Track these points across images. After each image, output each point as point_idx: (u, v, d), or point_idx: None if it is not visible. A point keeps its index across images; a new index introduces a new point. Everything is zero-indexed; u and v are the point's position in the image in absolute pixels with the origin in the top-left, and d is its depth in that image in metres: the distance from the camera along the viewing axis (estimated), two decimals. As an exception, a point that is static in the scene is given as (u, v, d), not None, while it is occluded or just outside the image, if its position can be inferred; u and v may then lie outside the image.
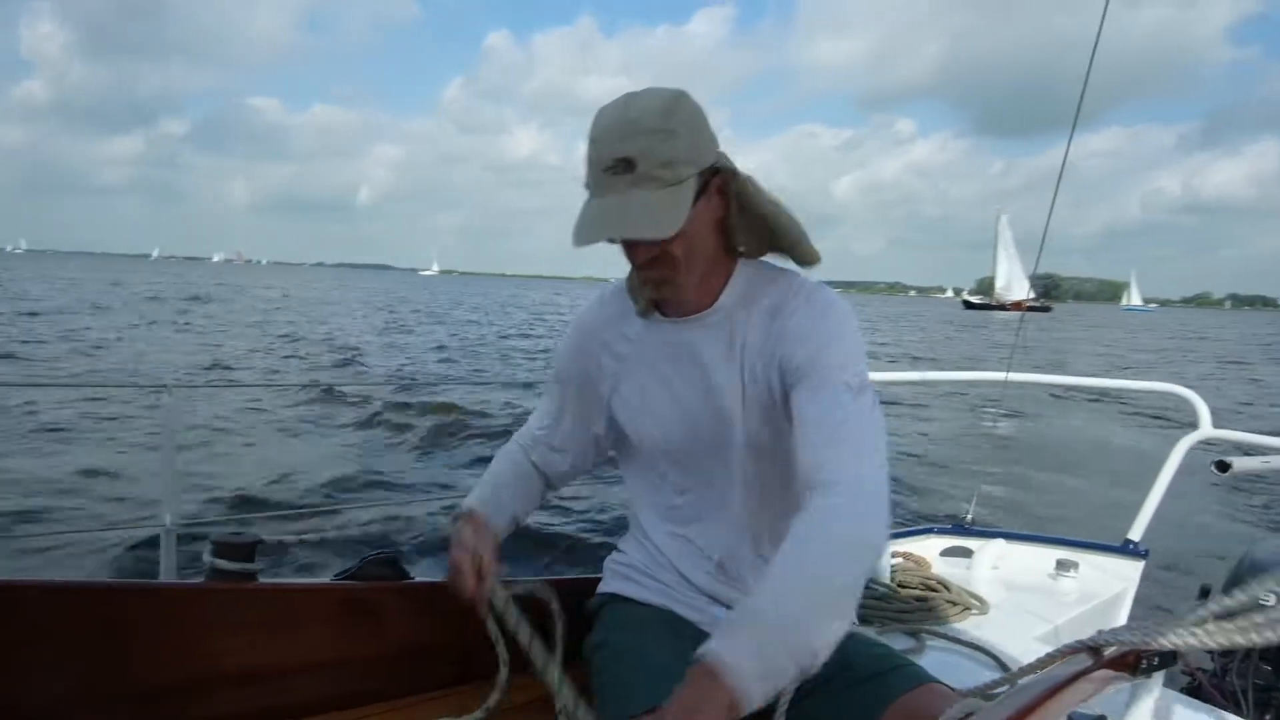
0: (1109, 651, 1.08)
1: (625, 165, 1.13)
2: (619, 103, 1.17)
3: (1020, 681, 0.99)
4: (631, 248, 1.21)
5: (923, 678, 1.20)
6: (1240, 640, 0.91)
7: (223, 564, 1.35)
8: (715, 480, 1.33)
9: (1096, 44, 2.68)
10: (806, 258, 1.29)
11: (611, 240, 1.18)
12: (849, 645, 1.25)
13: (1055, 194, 2.79)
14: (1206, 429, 2.73)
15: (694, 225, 1.17)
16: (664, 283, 1.22)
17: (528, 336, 25.55)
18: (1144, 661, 1.15)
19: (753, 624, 0.97)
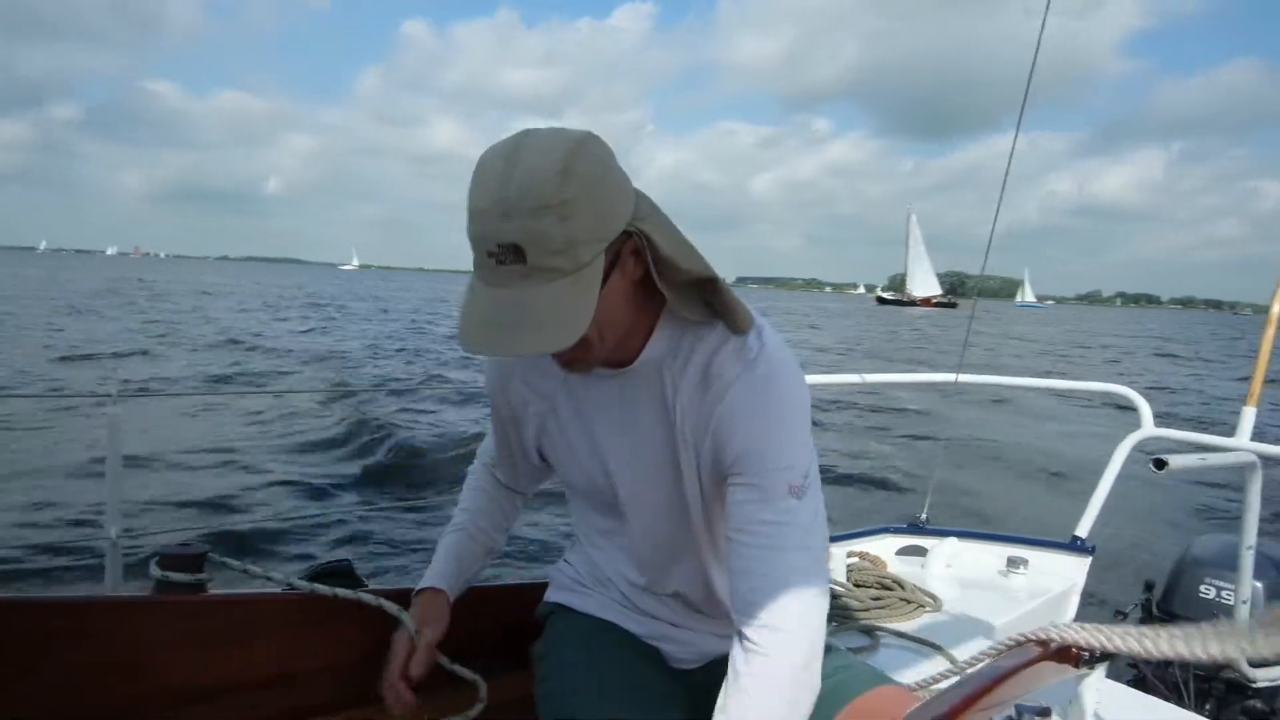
0: (1052, 645, 1.11)
1: (512, 253, 0.93)
2: (501, 161, 0.94)
3: (965, 674, 1.01)
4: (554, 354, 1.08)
5: (877, 680, 1.20)
6: (1182, 651, 0.94)
7: (169, 576, 1.32)
8: (640, 522, 1.27)
9: (1039, 47, 2.74)
10: (738, 327, 1.12)
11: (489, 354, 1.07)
12: None
13: (1002, 193, 2.85)
14: (1149, 428, 2.81)
15: (606, 304, 1.01)
16: (574, 362, 1.10)
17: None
18: (1086, 653, 1.18)
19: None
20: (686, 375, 1.13)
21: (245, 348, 17.74)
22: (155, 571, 1.32)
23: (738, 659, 1.04)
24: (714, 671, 1.28)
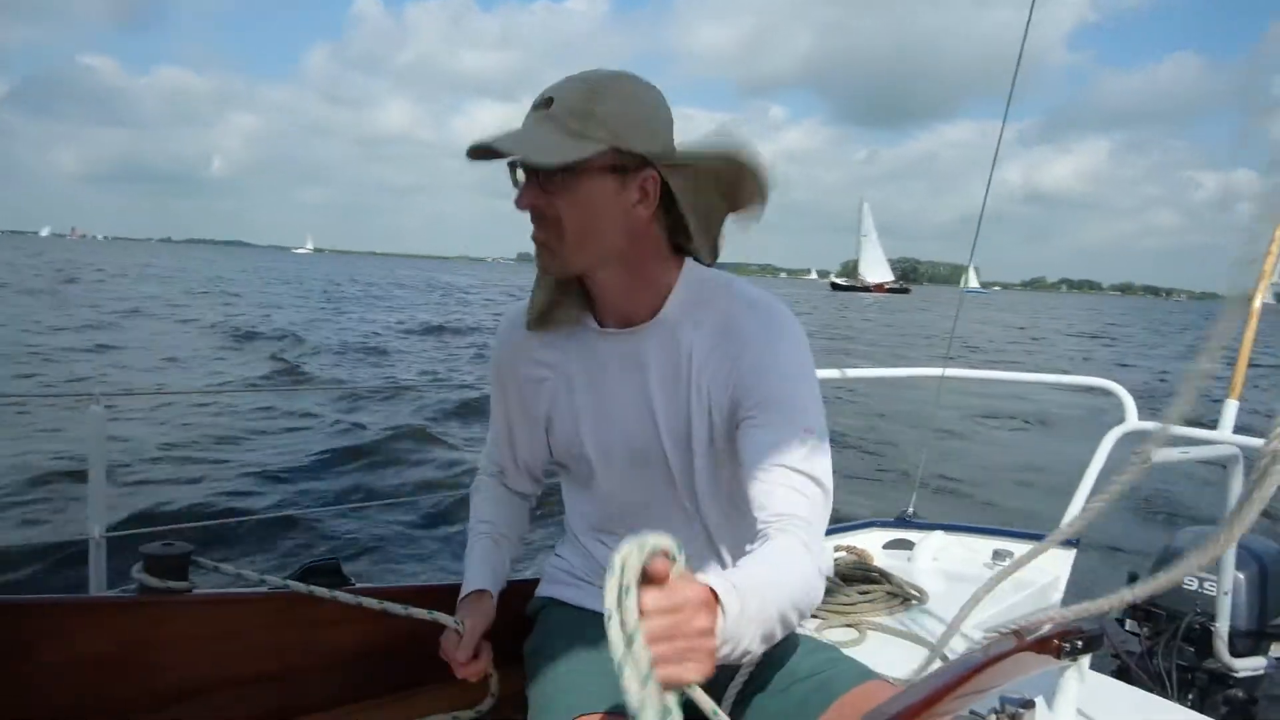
0: (1031, 635, 1.12)
1: (545, 103, 1.12)
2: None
3: (943, 665, 1.02)
4: (521, 193, 1.15)
5: (864, 675, 1.20)
6: (1138, 593, 0.97)
7: (153, 581, 1.31)
8: (653, 495, 1.30)
9: (1026, 34, 2.76)
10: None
11: (481, 155, 1.13)
12: (791, 646, 1.26)
13: (989, 184, 2.86)
14: (1133, 421, 2.83)
15: (586, 193, 1.12)
16: (544, 247, 1.17)
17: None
18: (1067, 644, 1.19)
19: (753, 598, 0.93)
20: (703, 332, 1.21)
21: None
22: (138, 575, 1.31)
23: (769, 534, 1.07)
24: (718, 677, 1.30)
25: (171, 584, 1.31)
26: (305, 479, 7.20)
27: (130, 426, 8.15)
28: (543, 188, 1.13)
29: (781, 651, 1.25)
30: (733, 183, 1.20)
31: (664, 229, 1.21)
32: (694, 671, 0.81)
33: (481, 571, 1.39)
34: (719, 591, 0.87)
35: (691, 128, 1.21)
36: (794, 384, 1.17)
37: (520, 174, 1.15)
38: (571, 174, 1.11)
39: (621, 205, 1.14)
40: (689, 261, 1.26)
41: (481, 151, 1.12)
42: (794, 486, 1.10)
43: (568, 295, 1.28)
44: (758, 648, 0.95)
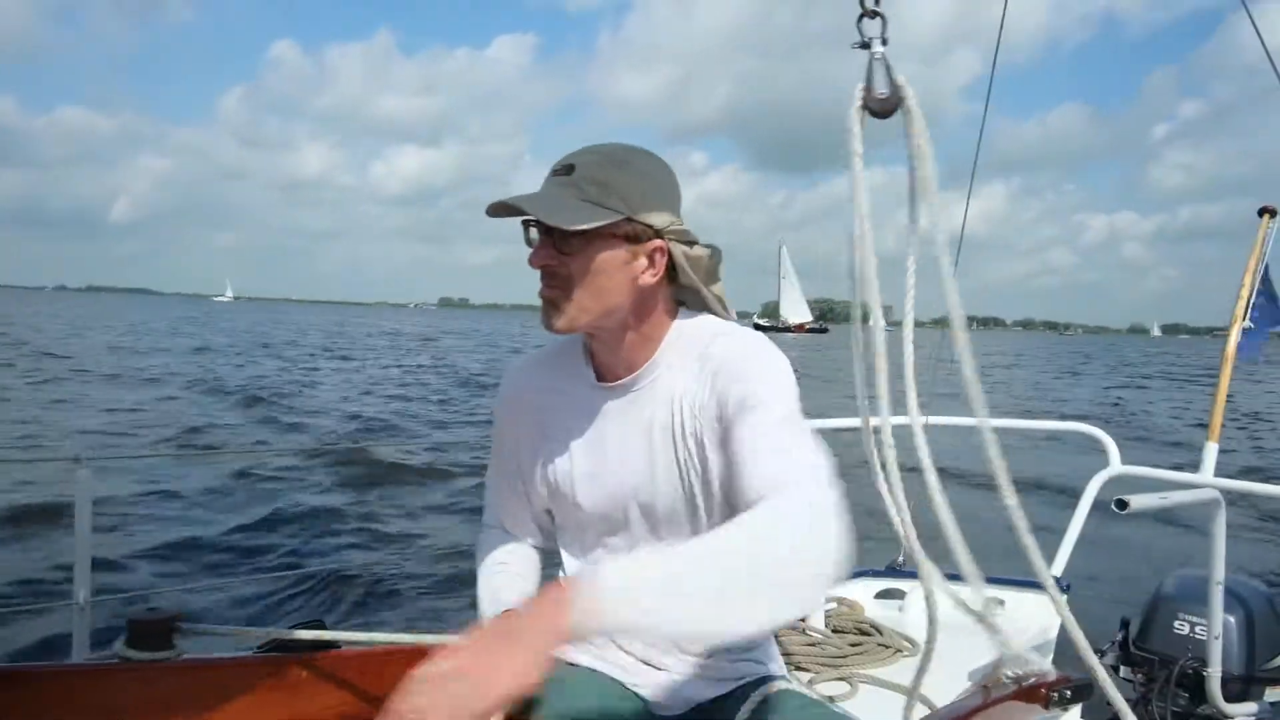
0: (1022, 685, 1.12)
1: (566, 170, 1.19)
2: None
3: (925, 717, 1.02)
4: (534, 251, 1.20)
5: None
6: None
7: (135, 653, 1.30)
8: (638, 542, 1.31)
9: (999, 45, 2.83)
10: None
11: (499, 213, 1.18)
12: (783, 706, 1.27)
13: (964, 217, 2.92)
14: (1116, 466, 2.85)
15: (600, 261, 1.18)
16: (550, 304, 1.21)
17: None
18: (1055, 694, 1.19)
19: (652, 574, 0.88)
20: (685, 365, 1.26)
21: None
22: (120, 649, 1.31)
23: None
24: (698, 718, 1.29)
25: (155, 654, 1.31)
26: (291, 537, 7.13)
27: (117, 487, 8.08)
28: (557, 248, 1.19)
29: (772, 708, 1.26)
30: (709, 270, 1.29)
31: (668, 292, 1.28)
32: None
33: (506, 597, 1.34)
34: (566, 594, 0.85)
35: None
36: (767, 382, 1.18)
37: (534, 233, 1.22)
38: (586, 238, 1.17)
39: (630, 272, 1.21)
40: (681, 311, 1.32)
41: (499, 209, 1.19)
42: (777, 462, 1.08)
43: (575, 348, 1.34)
44: (692, 636, 1.04)
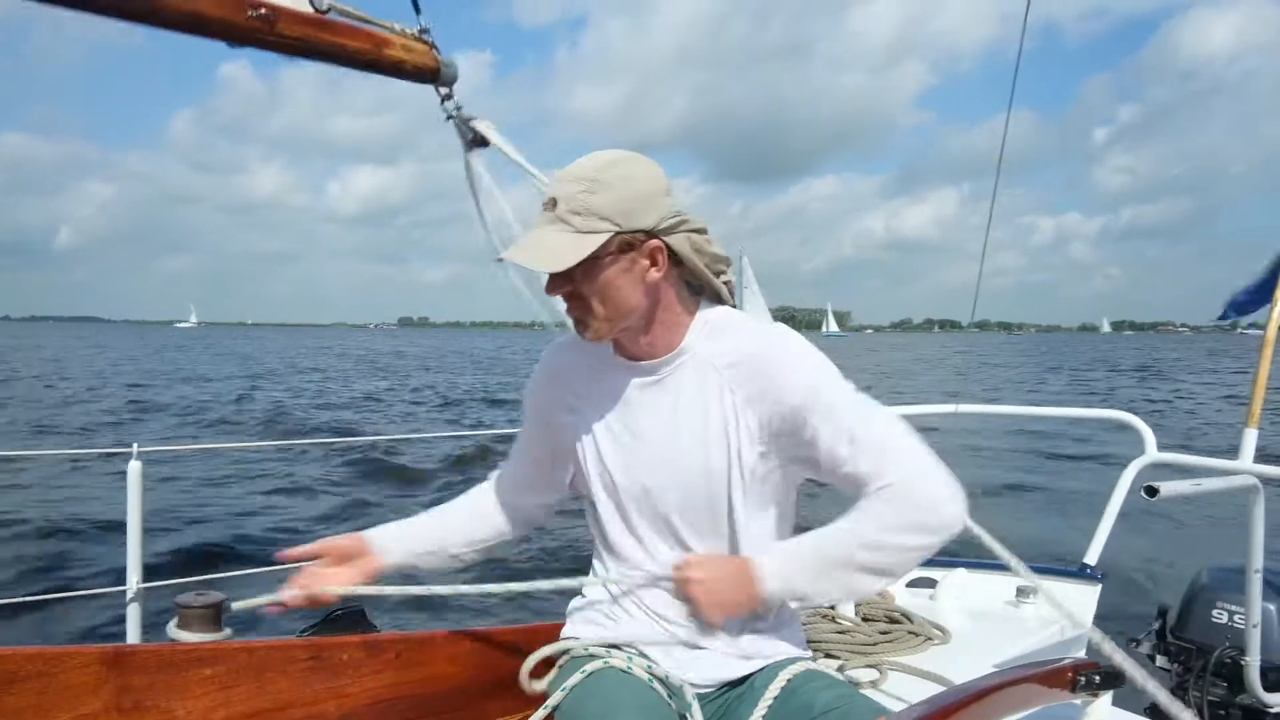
0: (1047, 667, 1.13)
1: (550, 205, 1.28)
2: (582, 158, 1.31)
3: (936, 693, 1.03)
4: (548, 283, 1.30)
5: (877, 711, 1.23)
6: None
7: (185, 634, 1.38)
8: (685, 524, 1.37)
9: (1020, 53, 2.81)
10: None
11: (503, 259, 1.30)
12: (808, 685, 1.30)
13: (989, 226, 2.90)
14: (1152, 453, 2.82)
15: (605, 277, 1.27)
16: (579, 322, 1.33)
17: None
18: (1082, 678, 1.20)
19: (790, 552, 1.29)
20: (732, 370, 1.33)
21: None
22: (171, 632, 1.38)
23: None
24: (729, 698, 1.36)
25: (204, 635, 1.37)
26: (338, 528, 7.28)
27: (169, 478, 8.30)
28: (566, 277, 1.28)
29: (799, 687, 1.30)
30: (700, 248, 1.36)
31: (679, 279, 1.35)
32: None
33: (392, 531, 1.50)
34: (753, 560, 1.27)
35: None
36: (819, 388, 1.30)
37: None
38: (587, 263, 1.26)
39: (636, 275, 1.29)
40: (702, 301, 1.39)
41: (507, 260, 1.29)
42: (868, 459, 1.24)
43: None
44: (834, 590, 1.29)
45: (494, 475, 1.60)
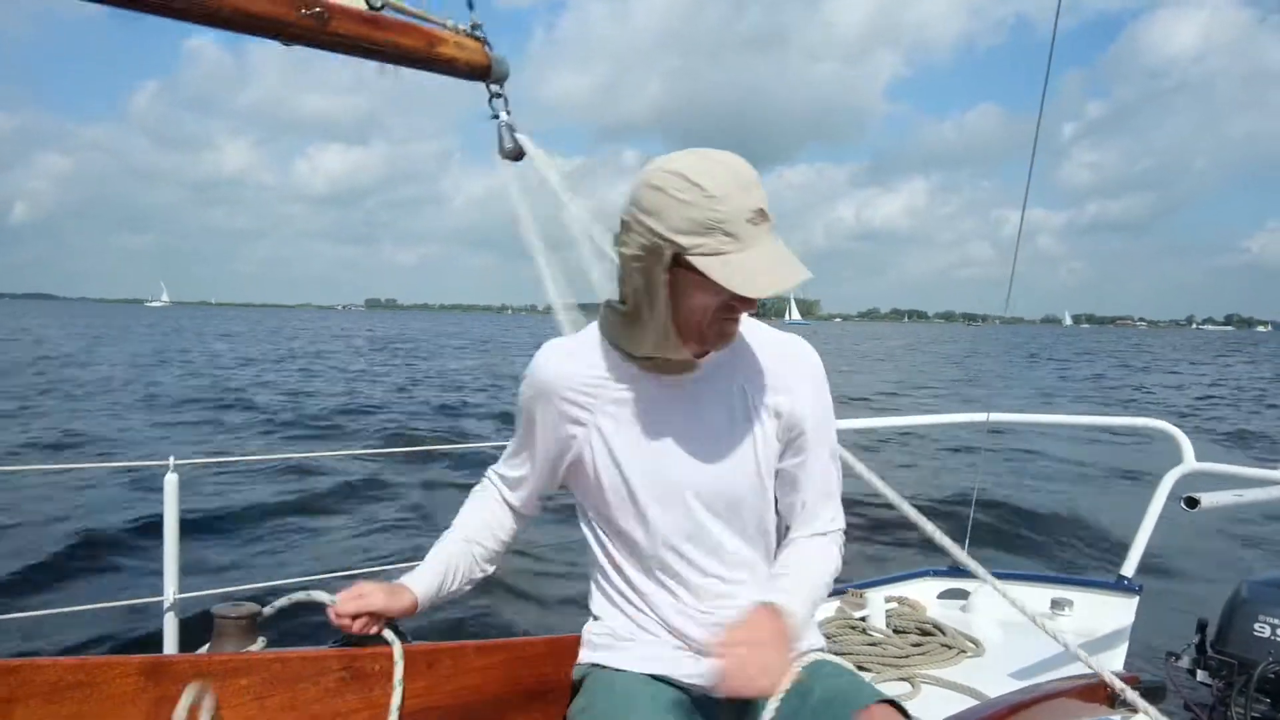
0: (1085, 681, 1.12)
1: (761, 215, 1.23)
2: (718, 162, 1.22)
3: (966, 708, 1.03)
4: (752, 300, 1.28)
5: (877, 697, 1.26)
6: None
7: (221, 643, 1.40)
8: (710, 527, 1.38)
9: (1053, 44, 2.78)
10: None
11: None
12: (819, 671, 1.31)
13: (1025, 202, 2.87)
14: (1190, 462, 2.77)
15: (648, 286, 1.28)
16: (726, 336, 1.32)
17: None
18: (1120, 693, 1.18)
19: (801, 593, 1.34)
20: (751, 364, 1.39)
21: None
22: (207, 642, 1.40)
23: (808, 535, 1.46)
24: (752, 708, 1.34)
25: (238, 647, 1.39)
26: (374, 538, 7.33)
27: (206, 490, 8.41)
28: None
29: (809, 675, 1.31)
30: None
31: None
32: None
33: (430, 577, 1.49)
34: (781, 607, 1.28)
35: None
36: (827, 417, 1.44)
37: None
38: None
39: (668, 280, 1.26)
40: None
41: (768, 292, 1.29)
42: (829, 504, 1.46)
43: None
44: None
45: (492, 481, 1.59)
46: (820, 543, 1.44)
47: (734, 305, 1.26)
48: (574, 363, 1.41)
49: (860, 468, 1.78)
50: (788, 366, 1.40)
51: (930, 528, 1.68)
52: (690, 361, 1.34)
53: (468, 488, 1.64)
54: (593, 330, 1.43)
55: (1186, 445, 2.81)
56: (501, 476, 1.57)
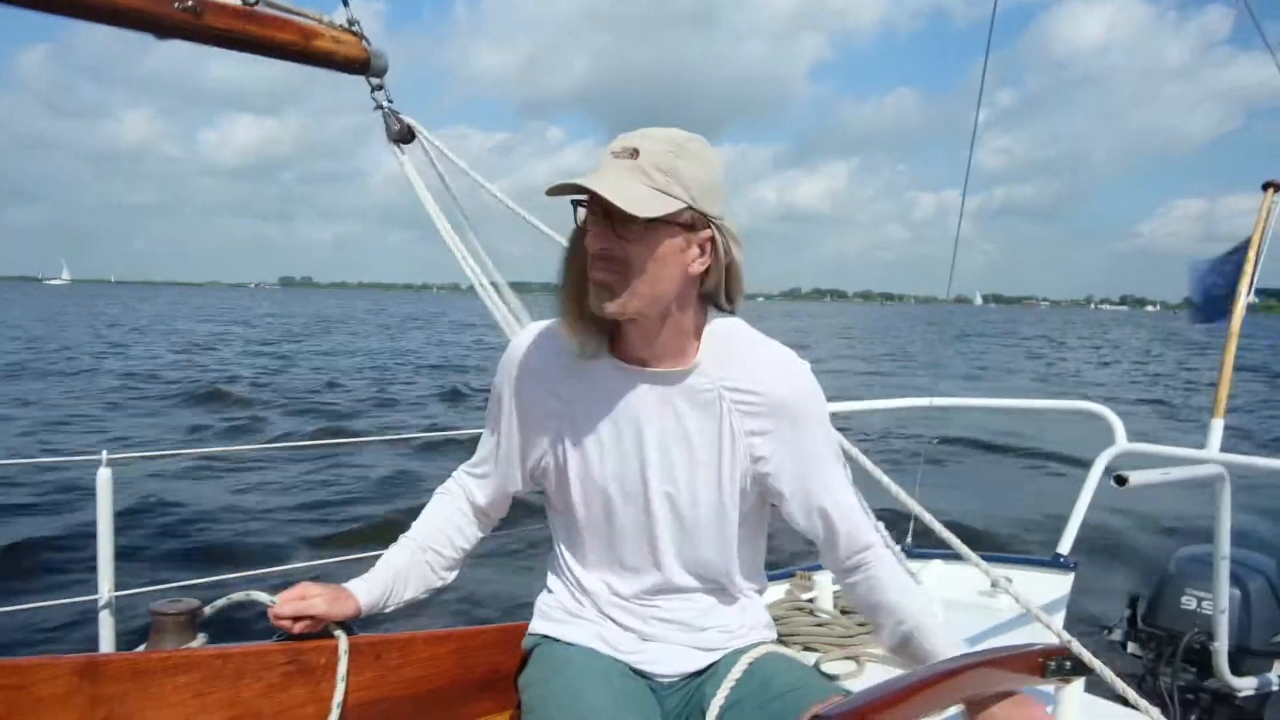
0: (1018, 651, 1.15)
1: (631, 154, 1.19)
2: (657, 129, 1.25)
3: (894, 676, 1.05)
4: (593, 234, 1.22)
5: (835, 691, 1.28)
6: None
7: (161, 640, 1.36)
8: (667, 533, 1.37)
9: (992, 27, 2.84)
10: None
11: (562, 193, 1.20)
12: (769, 664, 1.33)
13: (961, 212, 2.92)
14: (1122, 443, 2.86)
15: (660, 248, 1.21)
16: (604, 288, 1.22)
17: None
18: (1053, 663, 1.22)
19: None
20: (738, 383, 1.31)
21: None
22: (145, 640, 1.36)
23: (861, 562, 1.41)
24: (692, 686, 1.38)
25: (178, 644, 1.36)
26: (312, 530, 7.21)
27: (140, 485, 8.18)
28: (617, 233, 1.20)
29: (762, 669, 1.33)
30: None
31: (700, 285, 1.31)
32: None
33: (369, 581, 1.44)
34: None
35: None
36: (827, 440, 1.38)
37: (583, 213, 1.24)
38: (650, 225, 1.19)
39: (684, 260, 1.25)
40: (711, 309, 1.35)
41: (564, 188, 1.20)
42: (857, 519, 1.39)
43: (599, 330, 1.33)
44: None
45: (457, 480, 1.55)
46: (884, 566, 1.40)
47: (588, 242, 1.23)
48: (554, 347, 1.37)
49: None
50: (770, 398, 1.32)
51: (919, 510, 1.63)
52: (592, 348, 1.31)
53: (430, 477, 1.61)
54: None
55: (1119, 427, 2.90)
56: (469, 474, 1.53)
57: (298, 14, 1.79)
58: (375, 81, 2.00)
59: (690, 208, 1.20)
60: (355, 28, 1.91)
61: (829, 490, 1.37)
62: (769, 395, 1.31)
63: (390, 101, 2.02)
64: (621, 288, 1.22)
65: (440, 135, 2.03)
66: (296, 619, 1.37)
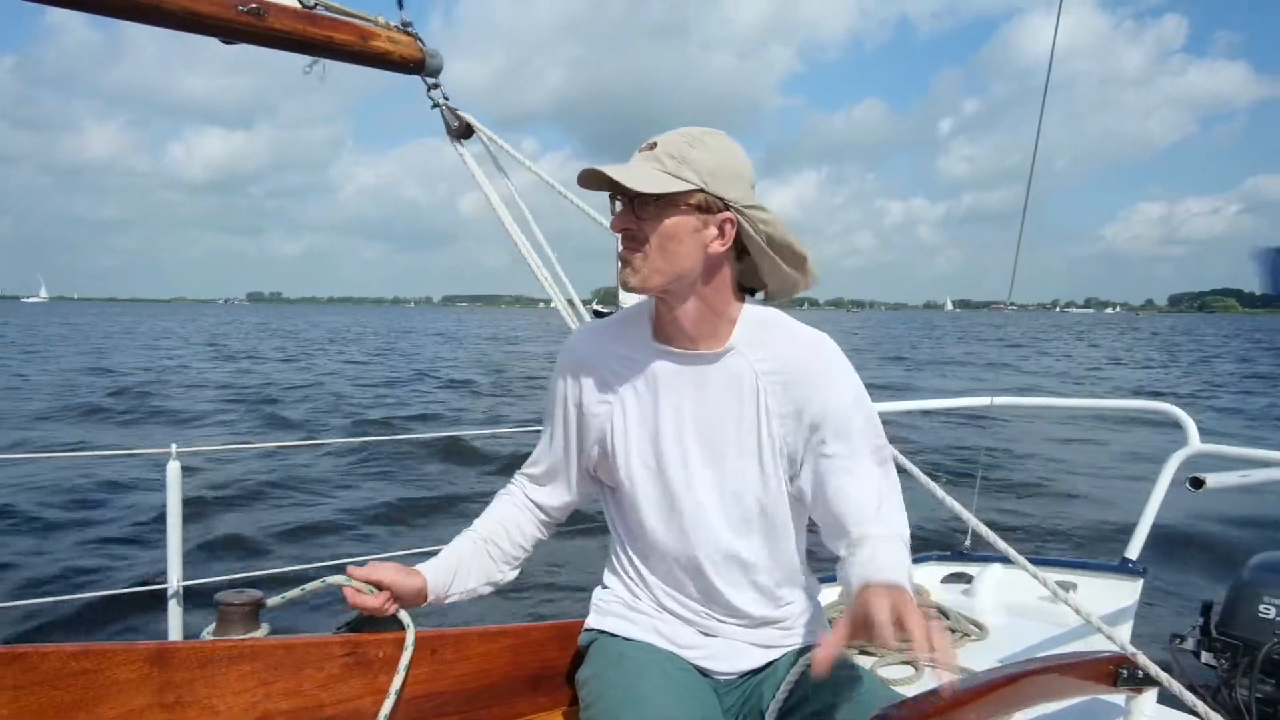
0: (1086, 659, 1.11)
1: (650, 146, 1.32)
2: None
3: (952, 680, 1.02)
4: (616, 217, 1.33)
5: (893, 696, 1.27)
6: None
7: (226, 629, 1.40)
8: (720, 512, 1.38)
9: (1054, 43, 2.76)
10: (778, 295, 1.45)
11: (590, 184, 1.33)
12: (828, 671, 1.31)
13: (1023, 217, 2.85)
14: (1195, 444, 2.76)
15: (674, 227, 1.30)
16: (627, 264, 1.33)
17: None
18: (1124, 671, 1.18)
19: (896, 563, 1.23)
20: (771, 375, 1.36)
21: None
22: (211, 629, 1.40)
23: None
24: (750, 685, 1.38)
25: (244, 631, 1.39)
26: (375, 526, 7.35)
27: (208, 478, 8.43)
28: (635, 214, 1.31)
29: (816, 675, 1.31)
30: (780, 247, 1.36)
31: (735, 270, 1.38)
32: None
33: (441, 565, 1.48)
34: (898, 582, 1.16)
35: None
36: (856, 411, 1.38)
37: (619, 205, 1.34)
38: (661, 205, 1.29)
39: (701, 239, 1.32)
40: (748, 300, 1.42)
41: (591, 178, 1.32)
42: (880, 497, 1.35)
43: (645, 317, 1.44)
44: None
45: (519, 483, 1.59)
46: (891, 543, 1.30)
47: (612, 224, 1.35)
48: (603, 342, 1.47)
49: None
50: (800, 374, 1.37)
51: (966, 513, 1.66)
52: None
53: (493, 477, 1.64)
54: (623, 313, 1.49)
55: (1192, 427, 2.80)
56: (528, 475, 1.58)
57: (354, 16, 1.83)
58: (431, 81, 2.04)
59: (702, 190, 1.29)
60: (410, 29, 1.95)
61: (849, 472, 1.35)
62: (798, 372, 1.36)
63: (447, 99, 2.06)
64: (642, 263, 1.32)
65: (419, 146, 1.94)
66: (367, 584, 1.42)
